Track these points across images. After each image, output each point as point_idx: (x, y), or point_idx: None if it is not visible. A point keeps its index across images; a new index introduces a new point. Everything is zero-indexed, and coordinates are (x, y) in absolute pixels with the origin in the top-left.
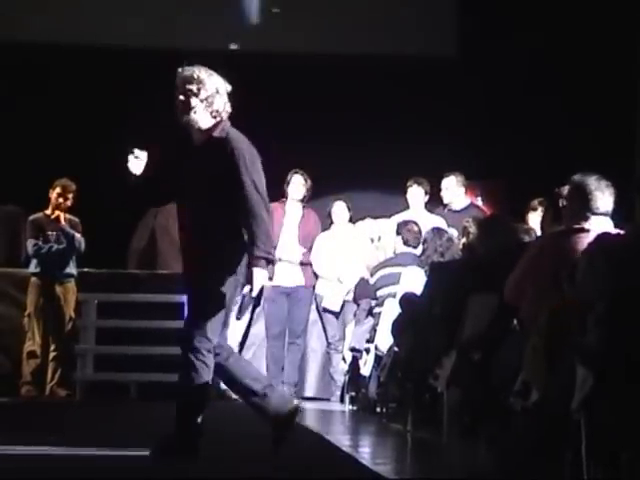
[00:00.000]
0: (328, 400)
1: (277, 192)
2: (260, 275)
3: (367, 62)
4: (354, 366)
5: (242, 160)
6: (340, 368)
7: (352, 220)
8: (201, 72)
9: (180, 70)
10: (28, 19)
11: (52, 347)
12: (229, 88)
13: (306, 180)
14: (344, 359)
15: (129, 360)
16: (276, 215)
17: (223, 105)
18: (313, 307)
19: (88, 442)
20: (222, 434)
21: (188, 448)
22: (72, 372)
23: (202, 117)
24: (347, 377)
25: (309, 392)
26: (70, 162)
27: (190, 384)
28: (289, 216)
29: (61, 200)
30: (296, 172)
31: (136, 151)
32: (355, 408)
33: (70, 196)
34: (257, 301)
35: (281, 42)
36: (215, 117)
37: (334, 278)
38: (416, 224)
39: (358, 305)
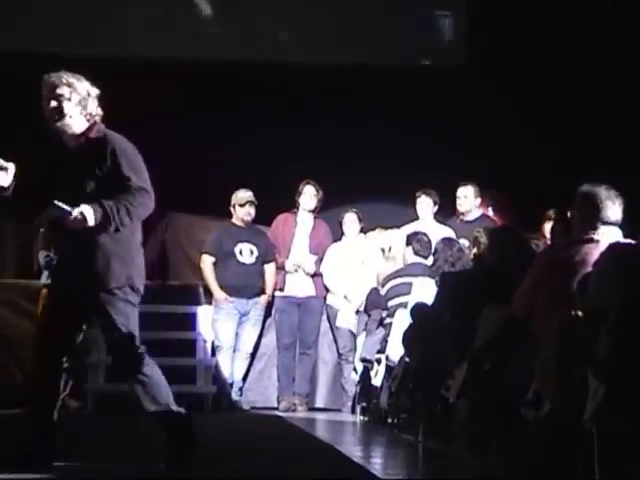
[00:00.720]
0: (339, 411)
1: (288, 202)
2: (88, 212)
3: (378, 72)
4: (365, 377)
5: (124, 157)
6: (351, 379)
7: (363, 231)
8: (69, 77)
9: (47, 76)
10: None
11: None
12: (98, 92)
13: (317, 191)
14: (355, 370)
15: None
16: (287, 225)
17: (95, 108)
18: (324, 317)
19: (99, 455)
20: (234, 445)
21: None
22: (83, 383)
23: (77, 121)
24: (358, 388)
25: (320, 403)
26: None
27: None
28: (300, 226)
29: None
30: (308, 182)
31: (1, 162)
32: (366, 419)
33: None
34: (268, 311)
35: (297, 53)
36: (89, 120)
37: (342, 295)
38: (426, 235)
39: (369, 315)
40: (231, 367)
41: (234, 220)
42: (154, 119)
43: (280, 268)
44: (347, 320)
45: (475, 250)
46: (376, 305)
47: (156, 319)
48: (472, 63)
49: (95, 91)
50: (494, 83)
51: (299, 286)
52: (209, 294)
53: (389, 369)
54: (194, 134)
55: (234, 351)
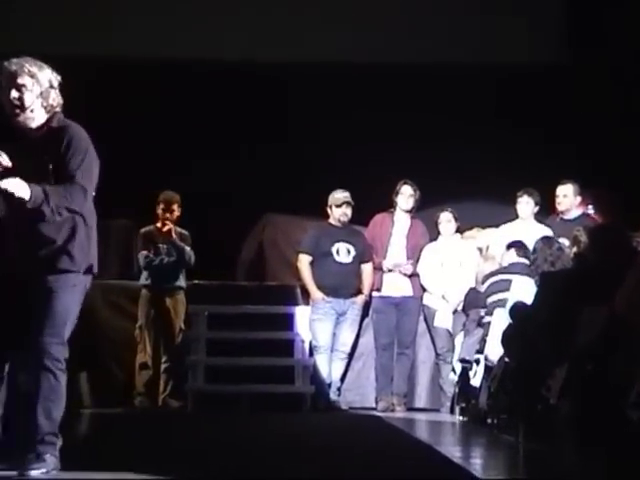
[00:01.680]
0: (438, 411)
1: (385, 202)
2: (17, 186)
3: (477, 71)
4: (464, 377)
5: (77, 150)
6: (449, 379)
7: (459, 230)
8: (32, 65)
9: (7, 63)
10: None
11: (163, 359)
12: (59, 79)
13: (415, 190)
14: (454, 370)
15: (239, 371)
16: (384, 225)
17: (57, 98)
18: (421, 318)
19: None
20: (332, 444)
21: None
22: (183, 383)
23: (37, 114)
24: (457, 388)
25: (419, 403)
26: (177, 173)
27: None
28: (397, 226)
29: (167, 214)
30: (405, 182)
31: None
32: (465, 419)
33: (175, 207)
34: (365, 311)
35: (388, 52)
36: (49, 112)
37: (439, 294)
38: (523, 243)
39: (467, 316)
40: (329, 367)
41: (331, 220)
42: (251, 119)
43: (377, 268)
44: (444, 320)
45: (575, 249)
46: (474, 305)
47: (254, 320)
48: (577, 60)
49: (57, 80)
50: (597, 80)
51: (396, 286)
52: (306, 294)
53: (488, 369)
54: (290, 134)
55: (332, 351)
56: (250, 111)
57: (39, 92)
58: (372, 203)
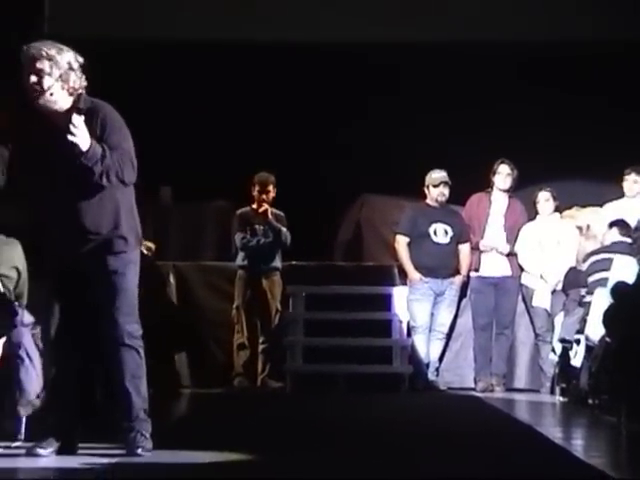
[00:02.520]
0: (538, 392)
1: (483, 182)
2: (82, 134)
3: (575, 47)
4: (564, 357)
5: (113, 125)
6: (549, 359)
7: (558, 210)
8: (50, 48)
9: (25, 48)
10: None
11: (261, 339)
12: (81, 60)
13: (512, 169)
14: (553, 350)
15: (337, 352)
16: (481, 205)
17: (79, 80)
18: (520, 298)
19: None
20: (432, 425)
21: None
22: (281, 364)
23: (60, 97)
24: (557, 368)
25: (519, 383)
26: (273, 155)
27: None
28: (495, 206)
29: (263, 196)
30: (503, 162)
31: None
32: (566, 400)
33: (270, 188)
34: (463, 292)
35: (484, 28)
36: (72, 94)
37: (537, 274)
38: (626, 223)
39: (567, 295)
40: (427, 347)
41: (428, 201)
42: (348, 100)
43: (474, 248)
44: (543, 300)
45: None
46: (575, 284)
47: (352, 300)
48: None
49: (78, 62)
50: None
51: (495, 266)
52: (404, 274)
53: (589, 349)
54: (386, 115)
55: (430, 331)
56: (346, 92)
57: (58, 75)
58: (469, 183)
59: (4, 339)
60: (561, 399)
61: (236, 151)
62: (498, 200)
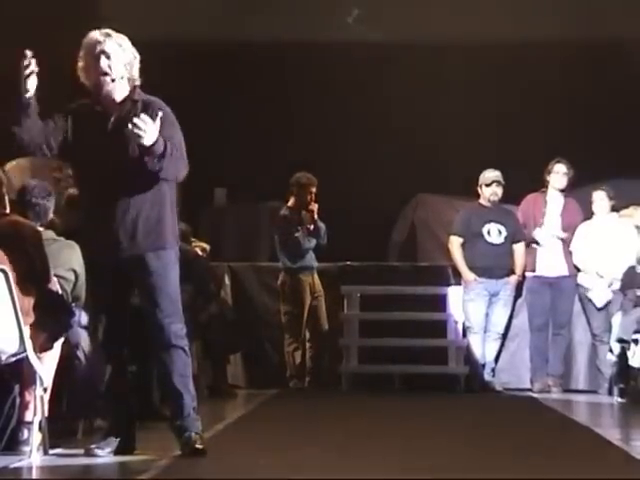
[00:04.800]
0: (596, 392)
1: (538, 181)
2: (150, 127)
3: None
4: (622, 357)
5: (168, 121)
6: (607, 360)
7: (615, 209)
8: (118, 36)
9: (91, 35)
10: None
11: (312, 340)
12: (138, 56)
13: (569, 169)
14: (611, 350)
15: (392, 352)
16: (537, 205)
17: (137, 71)
18: (577, 298)
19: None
20: (489, 425)
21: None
22: (336, 364)
23: (122, 85)
24: (615, 369)
25: (576, 385)
26: (328, 155)
27: None
28: (551, 206)
29: (308, 197)
30: (558, 161)
31: (28, 54)
32: (624, 401)
33: (313, 189)
34: (519, 292)
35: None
36: (131, 84)
37: (593, 271)
38: None
39: (625, 295)
40: (482, 348)
41: (481, 200)
42: (403, 102)
43: (529, 245)
44: (600, 297)
45: None
46: (632, 284)
47: (407, 300)
48: None
49: (137, 54)
50: None
51: (551, 266)
52: (458, 275)
53: None
54: (438, 116)
55: (485, 332)
56: (395, 92)
57: (126, 61)
58: (524, 182)
59: (62, 340)
60: (619, 400)
61: (288, 152)
62: (554, 199)
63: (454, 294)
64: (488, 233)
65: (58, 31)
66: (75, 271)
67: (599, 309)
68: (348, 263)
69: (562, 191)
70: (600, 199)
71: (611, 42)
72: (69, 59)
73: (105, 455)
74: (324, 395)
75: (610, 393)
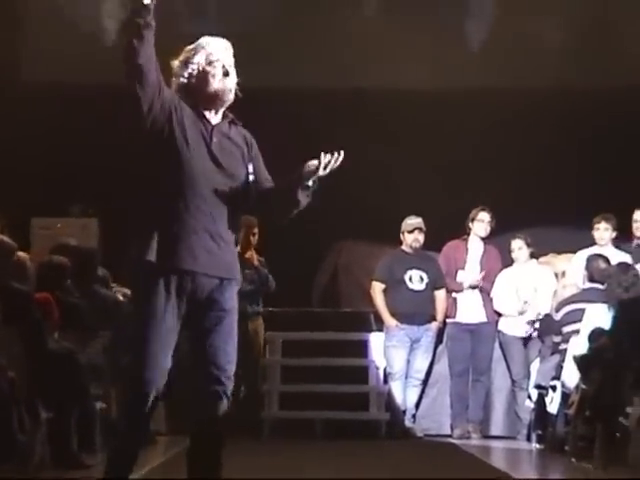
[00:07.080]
0: (514, 438)
1: (459, 228)
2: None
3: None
4: (540, 404)
5: (258, 151)
6: (526, 406)
7: (534, 256)
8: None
9: (211, 39)
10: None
11: (242, 386)
12: None
13: (492, 218)
14: (530, 397)
15: (314, 398)
16: (458, 252)
17: None
18: (497, 344)
19: None
20: (409, 473)
21: None
22: (259, 410)
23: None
24: (533, 415)
25: (495, 430)
26: None
27: None
28: (472, 253)
29: (251, 238)
30: (483, 209)
31: None
32: (542, 447)
33: (256, 231)
34: (439, 338)
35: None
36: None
37: (515, 313)
38: (606, 260)
39: (543, 342)
40: (403, 394)
41: (403, 247)
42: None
43: (450, 292)
44: (516, 326)
45: None
46: (550, 331)
47: (328, 346)
48: None
49: None
50: None
51: (471, 312)
52: (380, 321)
53: (565, 396)
54: (364, 160)
55: (406, 378)
56: (327, 136)
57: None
58: (445, 229)
59: None
60: (537, 446)
61: None
62: (475, 247)
63: (376, 340)
64: (410, 279)
65: None
66: None
67: (519, 353)
68: (270, 309)
69: (483, 239)
70: (518, 247)
71: (533, 90)
72: None
73: None
74: (245, 441)
75: (529, 439)
